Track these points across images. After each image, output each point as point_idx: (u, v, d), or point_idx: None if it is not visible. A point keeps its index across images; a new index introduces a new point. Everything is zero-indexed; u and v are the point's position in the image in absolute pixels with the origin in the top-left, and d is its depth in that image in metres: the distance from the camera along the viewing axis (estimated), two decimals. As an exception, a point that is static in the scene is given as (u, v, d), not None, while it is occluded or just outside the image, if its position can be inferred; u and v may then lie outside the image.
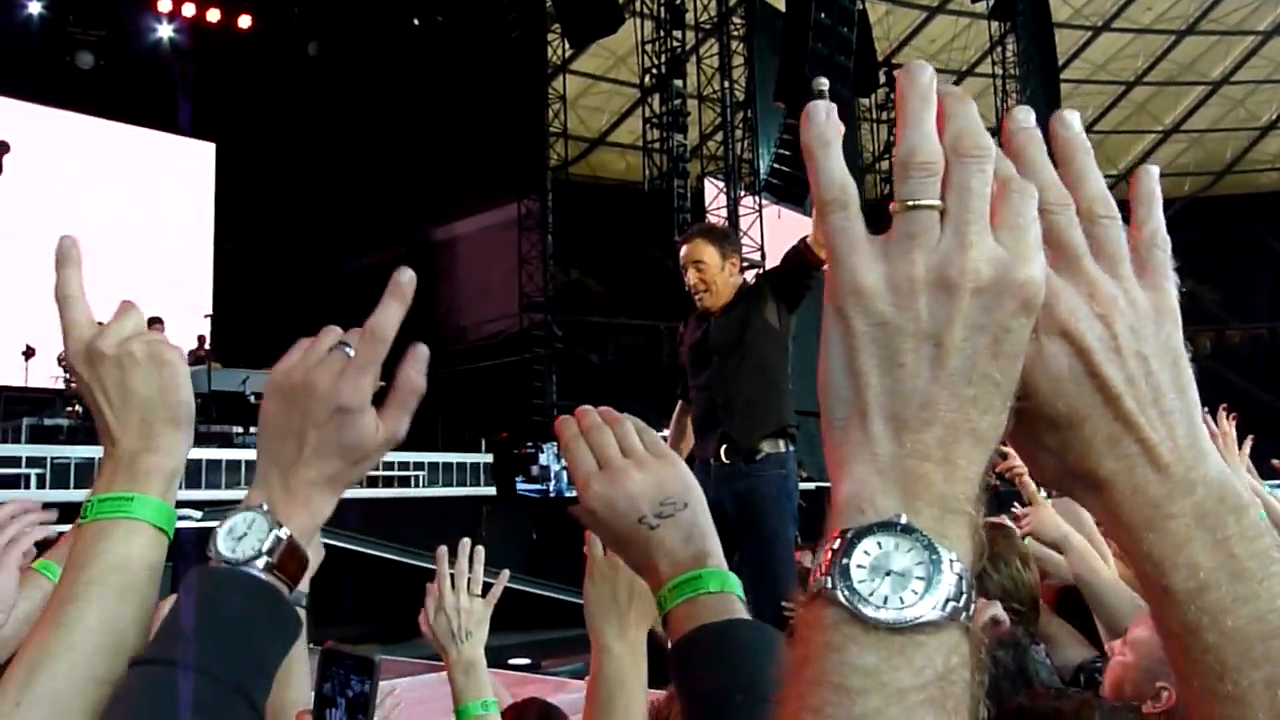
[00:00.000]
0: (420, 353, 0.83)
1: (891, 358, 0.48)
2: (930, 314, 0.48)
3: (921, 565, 0.45)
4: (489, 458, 12.82)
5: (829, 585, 0.46)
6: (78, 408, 11.85)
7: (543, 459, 12.60)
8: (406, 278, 0.84)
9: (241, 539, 0.79)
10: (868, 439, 0.48)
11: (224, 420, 11.76)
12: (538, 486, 12.51)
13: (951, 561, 0.45)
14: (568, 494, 12.10)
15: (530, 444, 12.75)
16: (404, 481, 11.90)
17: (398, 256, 16.99)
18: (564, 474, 12.21)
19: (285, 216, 16.39)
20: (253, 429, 11.90)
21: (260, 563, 0.78)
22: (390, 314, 0.83)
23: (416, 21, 16.43)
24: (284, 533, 0.80)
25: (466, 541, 1.80)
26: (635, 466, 0.92)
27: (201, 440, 11.17)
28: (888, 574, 0.45)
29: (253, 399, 11.83)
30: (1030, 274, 0.49)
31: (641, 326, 17.19)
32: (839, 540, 0.46)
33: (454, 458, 12.37)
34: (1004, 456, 2.99)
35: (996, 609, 2.11)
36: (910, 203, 0.49)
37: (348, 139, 16.52)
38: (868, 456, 0.48)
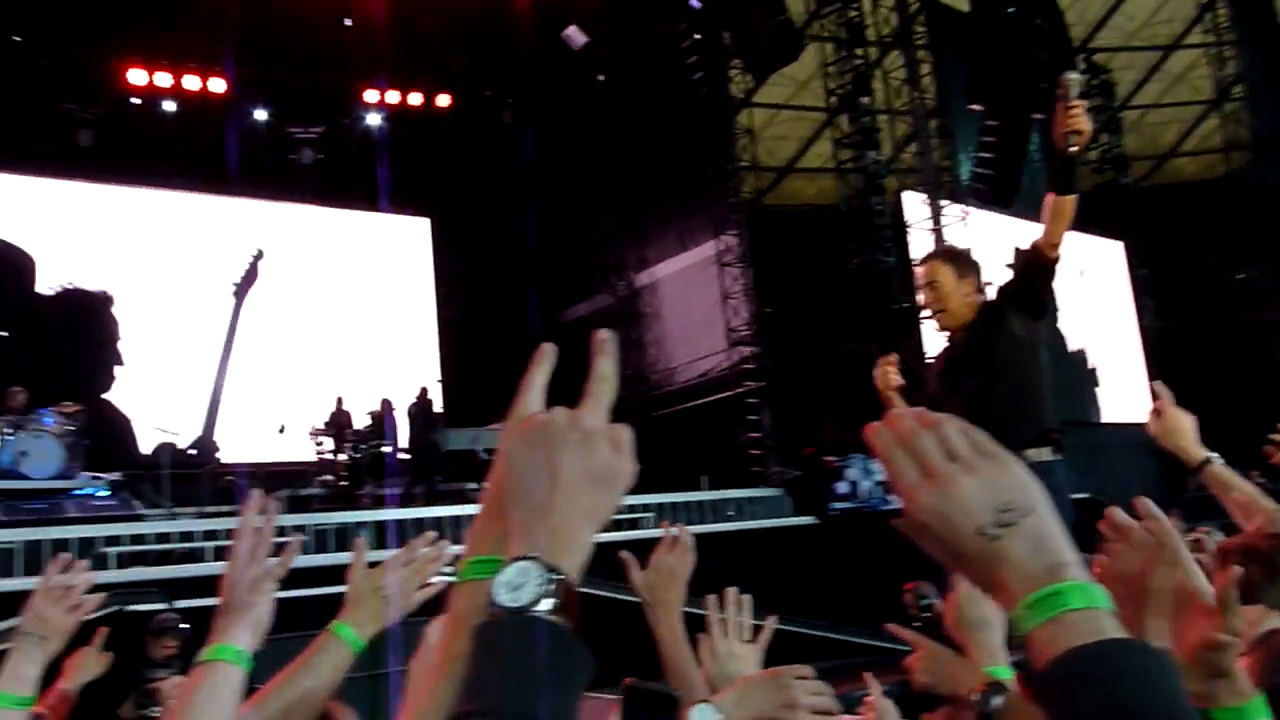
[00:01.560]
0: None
1: None
2: None
3: None
4: (708, 495, 12.84)
5: None
6: (329, 477, 12.71)
7: (850, 473, 12.34)
8: (606, 334, 0.93)
9: (519, 588, 0.78)
10: None
11: (459, 478, 12.30)
12: (846, 504, 12.30)
13: None
14: (882, 509, 11.86)
15: (836, 458, 12.50)
16: (632, 524, 12.06)
17: (605, 306, 17.41)
18: (875, 489, 11.99)
19: (499, 278, 17.10)
20: (485, 484, 12.40)
21: (543, 606, 0.78)
22: (605, 364, 0.91)
23: (601, 78, 16.91)
24: (559, 575, 0.79)
25: (733, 590, 1.83)
26: (965, 471, 0.83)
27: (440, 498, 11.73)
28: None
29: (484, 455, 12.37)
30: None
31: (852, 350, 16.86)
32: None
33: (679, 497, 12.45)
34: None
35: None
36: None
37: (549, 198, 17.12)
38: None
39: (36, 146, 14.38)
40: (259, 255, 12.40)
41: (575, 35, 16.32)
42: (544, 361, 0.99)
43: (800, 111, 20.58)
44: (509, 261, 17.03)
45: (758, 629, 1.85)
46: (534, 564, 0.79)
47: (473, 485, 12.17)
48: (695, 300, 16.56)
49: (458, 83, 16.91)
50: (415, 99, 16.63)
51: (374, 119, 16.43)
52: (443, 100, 16.90)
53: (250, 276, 12.32)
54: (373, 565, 1.81)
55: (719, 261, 15.93)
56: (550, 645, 0.77)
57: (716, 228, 16.02)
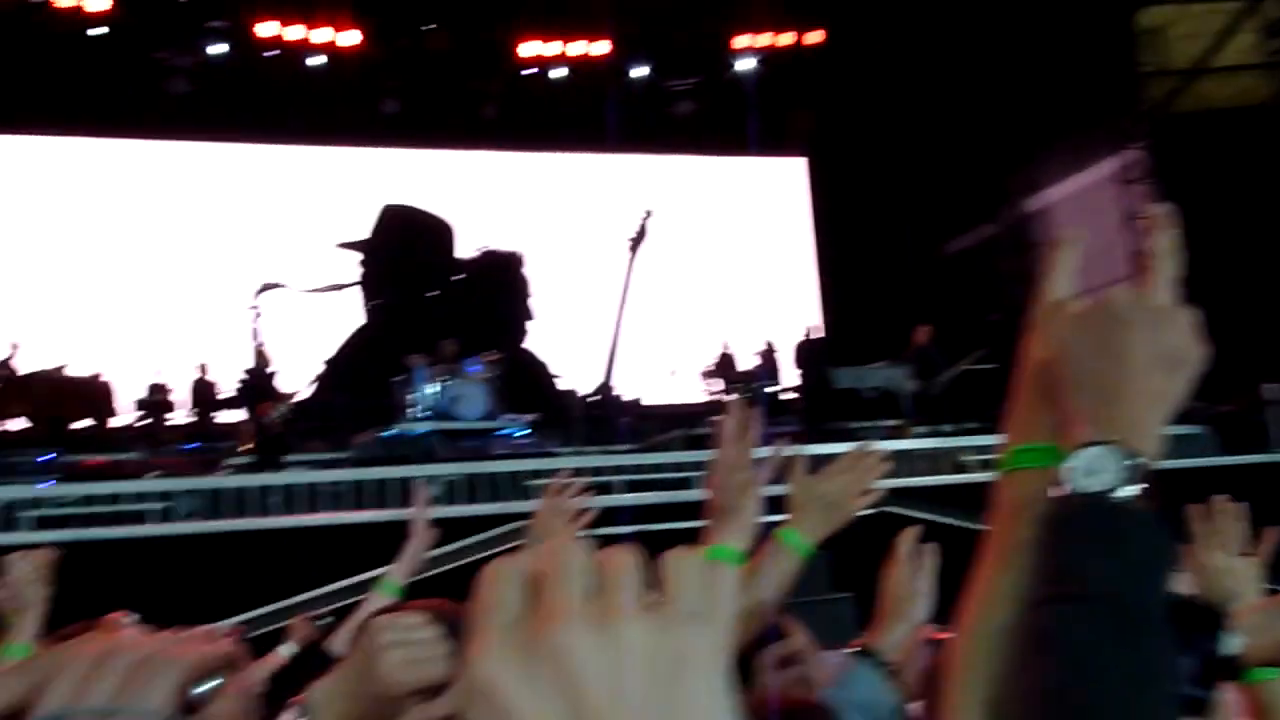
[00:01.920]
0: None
1: None
2: None
3: None
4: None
5: None
6: (720, 417, 13.15)
7: None
8: (1163, 208, 0.89)
9: (1096, 474, 0.77)
10: None
11: (848, 416, 12.29)
12: None
13: None
14: None
15: None
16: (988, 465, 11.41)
17: (991, 236, 16.53)
18: None
19: (878, 214, 16.75)
20: (865, 424, 12.31)
21: (1125, 491, 0.76)
22: (1167, 239, 0.88)
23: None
24: (1138, 459, 0.77)
25: (1221, 498, 1.73)
26: None
27: (831, 436, 11.76)
28: None
29: (870, 392, 12.25)
30: None
31: (1287, 269, 14.85)
32: None
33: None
34: None
35: None
36: None
37: (926, 126, 16.46)
38: None
39: (449, 123, 15.99)
40: (649, 215, 13.28)
41: (950, -49, 15.46)
42: (1068, 246, 0.97)
43: (1209, 4, 18.29)
44: (888, 195, 16.62)
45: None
46: (1111, 449, 0.78)
47: (862, 423, 12.07)
48: (1095, 224, 15.26)
49: (827, 18, 16.64)
50: (786, 39, 16.58)
51: (747, 63, 16.57)
52: (813, 37, 16.72)
53: (641, 234, 13.18)
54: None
55: (1122, 179, 14.60)
56: (1134, 528, 0.76)
57: (1118, 142, 14.67)
